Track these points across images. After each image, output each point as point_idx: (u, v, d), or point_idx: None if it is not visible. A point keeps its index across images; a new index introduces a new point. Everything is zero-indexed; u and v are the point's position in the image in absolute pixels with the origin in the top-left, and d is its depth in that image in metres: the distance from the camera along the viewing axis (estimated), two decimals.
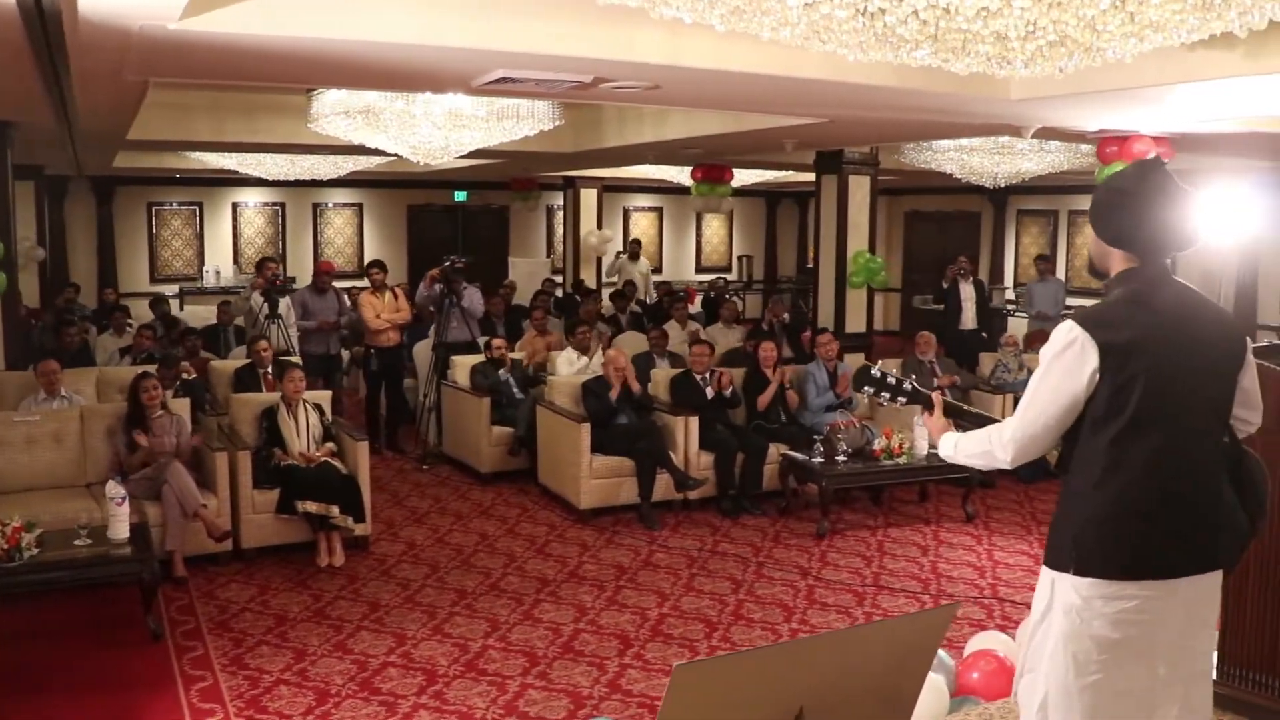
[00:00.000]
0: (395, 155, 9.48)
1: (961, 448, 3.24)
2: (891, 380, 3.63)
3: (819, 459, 8.33)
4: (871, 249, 12.13)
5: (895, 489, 9.19)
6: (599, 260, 18.26)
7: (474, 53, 5.49)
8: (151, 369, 8.33)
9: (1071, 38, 3.78)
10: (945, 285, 14.07)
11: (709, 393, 8.99)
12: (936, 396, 3.50)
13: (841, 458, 8.31)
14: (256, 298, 10.47)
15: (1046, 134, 9.06)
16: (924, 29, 3.52)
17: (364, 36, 5.16)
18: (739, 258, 22.39)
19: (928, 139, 10.41)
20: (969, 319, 13.65)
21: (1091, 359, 2.90)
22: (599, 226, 18.10)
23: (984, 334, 13.60)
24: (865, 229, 12.11)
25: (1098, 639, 2.93)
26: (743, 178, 15.52)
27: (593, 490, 8.48)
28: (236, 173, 14.22)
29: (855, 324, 12.17)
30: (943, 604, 6.39)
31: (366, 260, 16.65)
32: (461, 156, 10.79)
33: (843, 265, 11.96)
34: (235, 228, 19.08)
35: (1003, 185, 11.64)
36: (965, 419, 3.45)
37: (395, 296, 10.78)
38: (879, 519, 8.69)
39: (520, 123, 8.22)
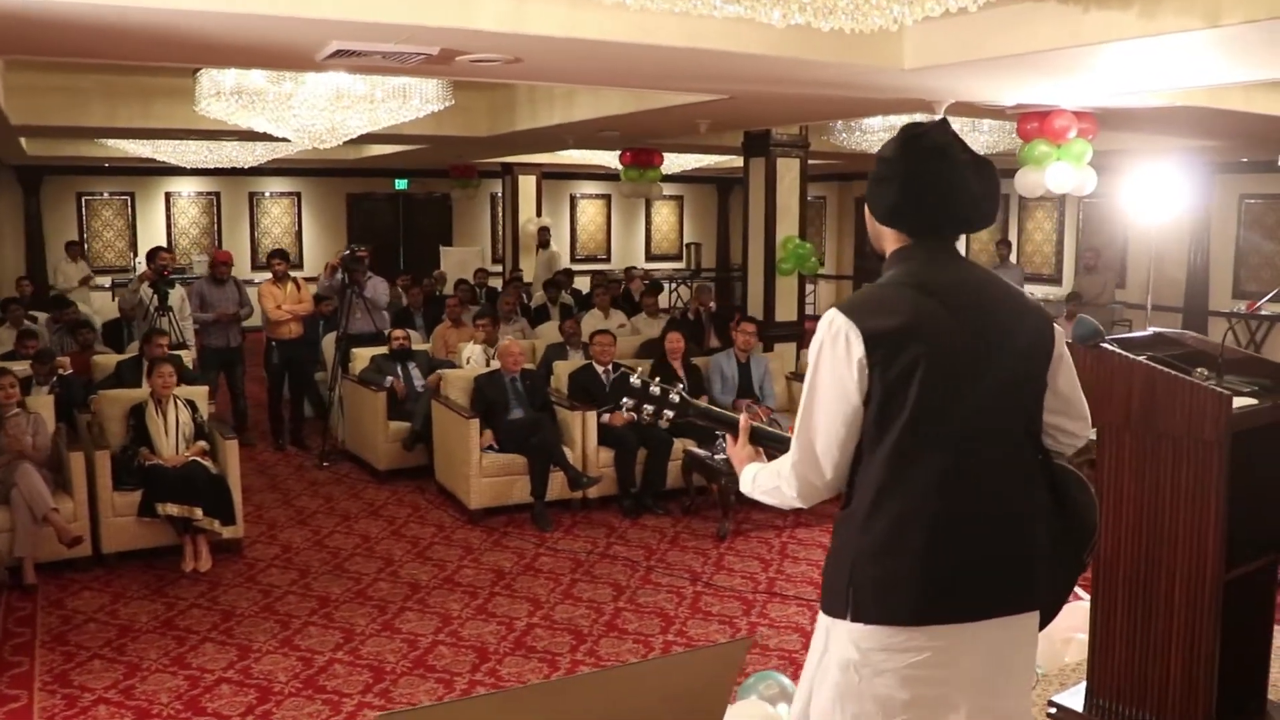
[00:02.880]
0: (284, 139, 9.03)
1: (759, 482, 2.64)
2: (655, 391, 2.93)
3: (721, 455, 7.91)
4: (802, 234, 11.70)
5: None
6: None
7: (300, 22, 5.03)
8: (12, 365, 7.89)
9: None
10: None
11: None
12: (744, 420, 2.82)
13: None
14: (145, 289, 9.98)
15: (963, 110, 8.64)
16: None
17: (175, 5, 4.72)
18: (687, 245, 21.89)
19: (845, 117, 9.98)
20: None
21: (856, 349, 2.35)
22: (539, 214, 17.64)
23: None
24: (795, 213, 11.66)
25: (882, 700, 2.39)
26: (683, 163, 15.12)
27: (483, 489, 8.02)
28: (162, 162, 13.69)
29: (786, 313, 11.75)
30: (736, 638, 5.91)
31: (307, 249, 16.20)
32: (367, 140, 10.41)
33: (772, 252, 11.53)
34: (169, 218, 18.60)
35: None
36: (771, 444, 2.81)
37: (298, 287, 10.35)
38: (788, 518, 8.23)
39: (407, 103, 7.79)
